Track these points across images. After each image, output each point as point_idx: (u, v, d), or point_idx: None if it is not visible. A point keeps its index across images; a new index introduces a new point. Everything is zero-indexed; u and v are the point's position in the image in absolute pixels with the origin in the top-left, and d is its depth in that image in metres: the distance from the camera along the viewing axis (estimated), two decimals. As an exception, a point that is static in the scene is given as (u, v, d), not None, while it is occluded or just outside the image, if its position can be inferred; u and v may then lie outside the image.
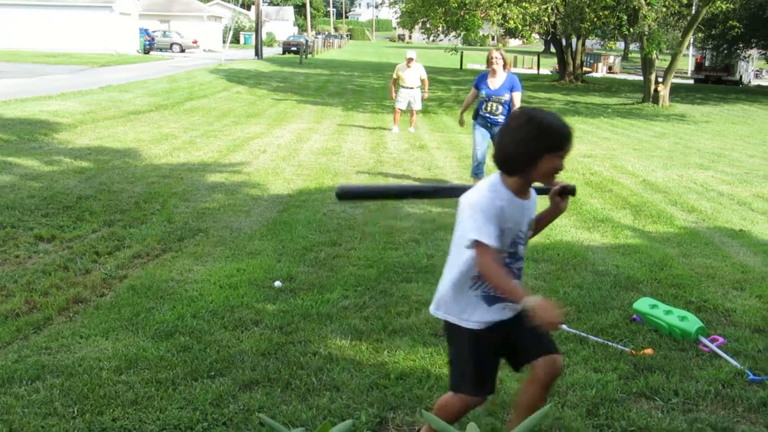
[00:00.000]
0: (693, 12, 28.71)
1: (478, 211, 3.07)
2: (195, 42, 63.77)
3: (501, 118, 9.83)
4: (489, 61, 9.96)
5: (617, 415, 4.02)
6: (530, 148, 3.05)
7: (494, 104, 9.85)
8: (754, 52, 46.93)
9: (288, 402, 4.06)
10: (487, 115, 9.93)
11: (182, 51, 60.25)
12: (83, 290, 5.82)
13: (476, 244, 3.03)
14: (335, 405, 4.03)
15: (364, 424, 3.84)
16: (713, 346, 4.95)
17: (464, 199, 3.19)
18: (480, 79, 10.09)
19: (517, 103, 9.87)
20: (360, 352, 4.74)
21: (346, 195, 4.01)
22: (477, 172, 10.31)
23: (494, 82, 9.86)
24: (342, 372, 4.42)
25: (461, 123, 11.26)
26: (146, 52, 54.48)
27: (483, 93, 9.92)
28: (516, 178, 3.13)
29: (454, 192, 3.63)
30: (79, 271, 6.32)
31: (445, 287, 3.33)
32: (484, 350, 3.28)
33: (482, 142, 10.10)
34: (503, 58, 9.95)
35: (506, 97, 9.79)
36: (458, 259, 3.24)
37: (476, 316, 3.24)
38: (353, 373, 4.41)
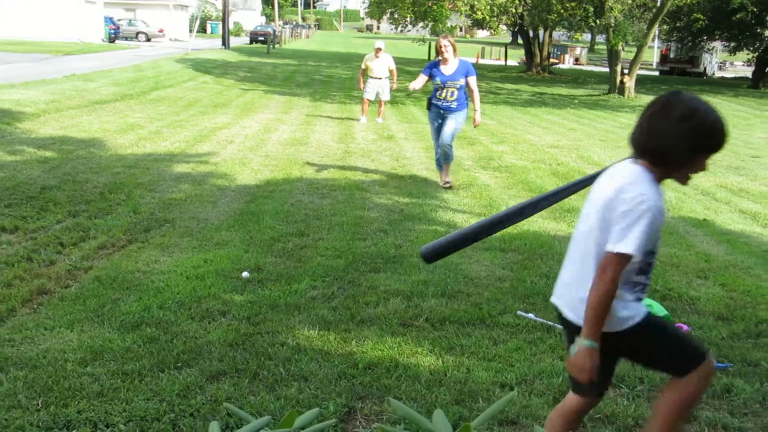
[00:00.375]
0: (658, 4, 28.94)
1: (651, 217, 2.79)
2: (161, 31, 63.14)
3: (455, 104, 9.77)
4: (438, 50, 9.77)
5: (583, 403, 4.05)
6: (691, 146, 2.82)
7: (450, 90, 9.71)
8: (717, 45, 47.35)
9: (256, 393, 4.05)
10: (441, 102, 9.80)
11: (148, 40, 59.64)
12: (47, 281, 5.75)
13: (622, 256, 2.81)
14: (303, 395, 4.02)
15: (332, 414, 3.84)
16: (678, 335, 5.00)
17: (632, 195, 2.83)
18: (431, 66, 9.96)
19: (474, 87, 9.86)
20: (328, 342, 4.74)
21: (432, 255, 3.77)
22: (440, 163, 10.28)
23: (448, 69, 9.74)
24: (310, 362, 4.41)
25: (412, 88, 10.33)
26: (111, 40, 53.86)
27: (438, 80, 9.74)
28: (660, 170, 2.89)
29: (570, 191, 3.55)
30: (43, 262, 6.25)
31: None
32: None
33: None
34: (452, 45, 9.77)
35: (461, 82, 9.72)
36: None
37: (636, 304, 2.99)
38: (321, 363, 4.41)
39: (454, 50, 9.81)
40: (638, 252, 2.79)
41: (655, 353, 3.10)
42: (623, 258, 2.81)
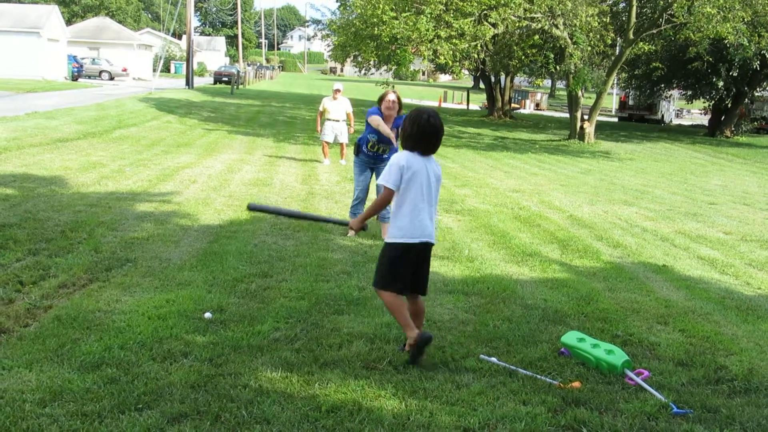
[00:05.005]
0: (617, 52, 29.52)
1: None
2: (125, 70, 63.09)
3: (387, 154, 9.27)
4: (385, 106, 9.04)
5: (546, 447, 4.07)
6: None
7: (384, 147, 9.25)
8: (675, 93, 48.29)
9: (218, 435, 4.00)
10: (373, 153, 9.34)
11: (111, 79, 59.50)
12: (6, 320, 5.66)
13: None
14: (266, 438, 3.99)
15: (295, 458, 3.80)
16: (639, 380, 5.05)
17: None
18: (377, 112, 9.10)
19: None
20: (291, 384, 4.71)
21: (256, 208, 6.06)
22: (356, 212, 9.56)
23: (387, 127, 9.02)
24: (273, 405, 4.38)
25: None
26: (74, 79, 53.65)
27: (375, 137, 9.18)
28: None
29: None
30: (1, 300, 6.15)
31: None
32: None
33: (364, 181, 9.56)
34: (399, 100, 9.17)
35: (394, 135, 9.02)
36: None
37: None
38: (284, 406, 4.38)
39: (400, 107, 9.18)
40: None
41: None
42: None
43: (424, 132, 5.20)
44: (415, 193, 5.18)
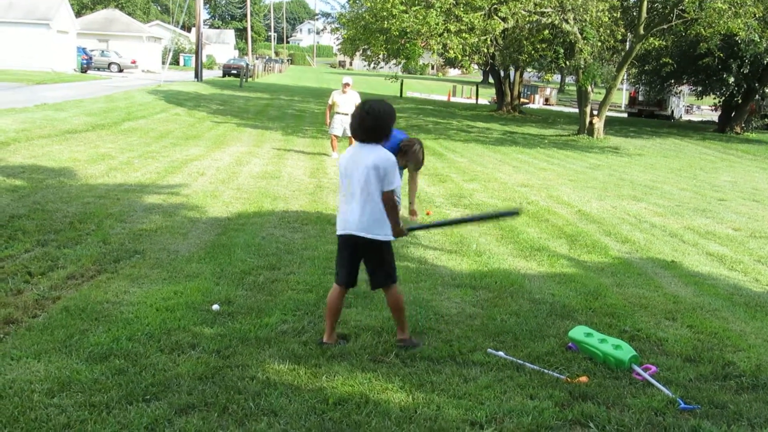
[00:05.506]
0: (627, 48, 29.41)
1: None
2: (134, 62, 63.19)
3: None
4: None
5: (553, 441, 4.06)
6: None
7: None
8: (685, 88, 48.06)
9: (225, 427, 4.01)
10: None
11: (120, 71, 59.59)
12: (15, 311, 5.68)
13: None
14: (273, 430, 4.00)
15: (301, 450, 3.81)
16: (646, 375, 5.04)
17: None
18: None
19: None
20: (298, 376, 4.72)
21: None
22: None
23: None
24: (280, 397, 4.39)
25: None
26: (83, 70, 53.70)
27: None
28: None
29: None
30: (10, 291, 6.18)
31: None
32: None
33: None
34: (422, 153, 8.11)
35: None
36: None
37: None
38: (291, 398, 4.39)
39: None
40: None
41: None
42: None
43: (354, 117, 5.33)
44: (343, 187, 5.38)
